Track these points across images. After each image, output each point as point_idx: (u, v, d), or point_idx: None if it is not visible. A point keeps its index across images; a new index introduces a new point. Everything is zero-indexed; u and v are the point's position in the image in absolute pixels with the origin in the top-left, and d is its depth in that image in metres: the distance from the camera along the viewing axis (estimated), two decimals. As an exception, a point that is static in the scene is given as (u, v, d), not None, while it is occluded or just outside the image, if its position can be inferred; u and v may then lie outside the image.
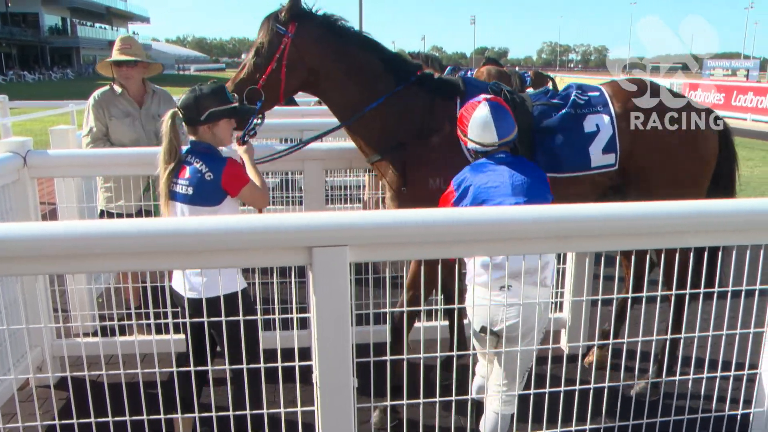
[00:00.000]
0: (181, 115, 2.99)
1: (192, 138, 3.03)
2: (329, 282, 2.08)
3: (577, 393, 2.39)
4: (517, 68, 22.62)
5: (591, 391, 2.48)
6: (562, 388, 2.41)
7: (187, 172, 2.95)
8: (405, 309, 3.29)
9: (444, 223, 2.15)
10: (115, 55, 4.38)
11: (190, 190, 2.93)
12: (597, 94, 3.56)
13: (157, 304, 3.56)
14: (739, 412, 2.48)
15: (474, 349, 3.00)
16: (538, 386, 2.46)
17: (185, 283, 2.90)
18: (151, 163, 3.08)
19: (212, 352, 3.14)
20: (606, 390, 2.46)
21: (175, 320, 3.01)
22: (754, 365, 2.44)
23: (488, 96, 3.13)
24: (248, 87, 3.35)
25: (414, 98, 3.47)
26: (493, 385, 2.82)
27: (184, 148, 3.06)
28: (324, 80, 3.46)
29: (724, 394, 2.53)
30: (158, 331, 3.59)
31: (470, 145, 3.05)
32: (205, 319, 2.66)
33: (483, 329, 2.75)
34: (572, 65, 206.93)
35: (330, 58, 3.42)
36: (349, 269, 2.09)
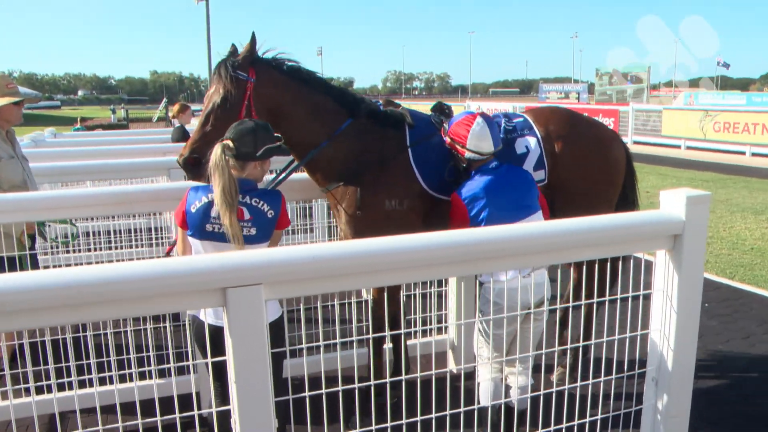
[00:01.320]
0: (232, 148, 2.80)
1: (233, 171, 2.82)
2: (245, 322, 2.04)
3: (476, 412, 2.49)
4: (365, 97, 23.08)
5: (504, 407, 2.57)
6: (465, 409, 2.49)
7: (245, 212, 2.79)
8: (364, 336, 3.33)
9: (355, 255, 2.18)
10: (12, 95, 4.09)
11: (254, 231, 2.79)
12: (522, 120, 3.95)
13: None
14: (633, 409, 2.67)
15: (483, 356, 3.27)
16: (425, 409, 2.50)
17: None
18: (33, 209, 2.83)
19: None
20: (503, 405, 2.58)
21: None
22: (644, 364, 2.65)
23: (476, 112, 3.50)
24: (218, 138, 3.21)
25: (368, 129, 3.66)
26: (514, 367, 3.23)
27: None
28: (283, 121, 3.50)
29: (620, 391, 2.71)
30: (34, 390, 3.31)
31: (468, 154, 3.39)
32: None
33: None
34: (416, 92, 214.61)
35: (289, 100, 3.50)
36: (264, 308, 2.07)
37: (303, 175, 3.88)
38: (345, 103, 3.67)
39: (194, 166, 3.31)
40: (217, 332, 2.50)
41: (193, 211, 2.84)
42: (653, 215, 2.51)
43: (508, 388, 3.21)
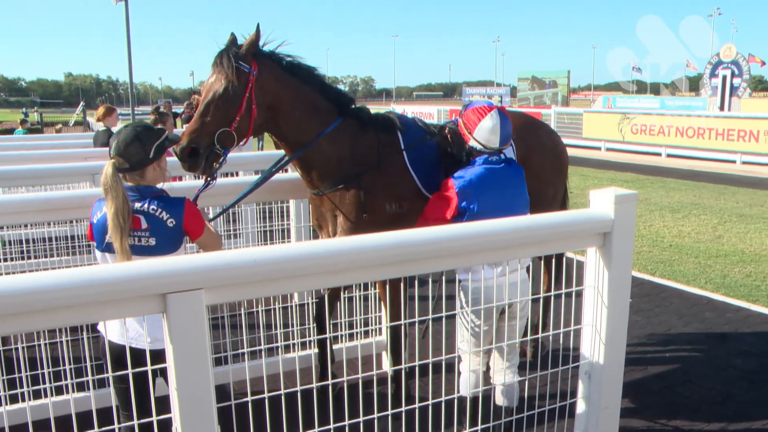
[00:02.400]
0: (123, 163, 2.66)
1: (130, 183, 2.69)
2: (186, 328, 2.01)
3: (418, 410, 2.53)
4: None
5: (446, 405, 2.61)
6: (406, 408, 2.51)
7: (142, 221, 2.63)
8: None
9: (297, 257, 2.18)
10: None
11: (152, 241, 2.64)
12: None
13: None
14: (567, 402, 2.76)
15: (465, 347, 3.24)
16: (367, 410, 2.52)
17: (125, 331, 2.50)
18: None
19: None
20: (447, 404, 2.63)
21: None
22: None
23: (496, 105, 3.44)
24: (220, 130, 3.18)
25: (362, 131, 3.63)
26: (500, 363, 3.21)
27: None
28: (281, 117, 3.44)
29: (555, 385, 2.79)
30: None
31: (472, 143, 3.34)
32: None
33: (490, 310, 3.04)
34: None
35: (288, 96, 3.42)
36: (206, 313, 2.03)
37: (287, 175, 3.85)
38: (335, 101, 3.61)
39: (191, 156, 3.23)
40: (119, 353, 2.41)
41: (95, 222, 2.76)
42: (583, 214, 2.60)
43: (493, 387, 3.22)
